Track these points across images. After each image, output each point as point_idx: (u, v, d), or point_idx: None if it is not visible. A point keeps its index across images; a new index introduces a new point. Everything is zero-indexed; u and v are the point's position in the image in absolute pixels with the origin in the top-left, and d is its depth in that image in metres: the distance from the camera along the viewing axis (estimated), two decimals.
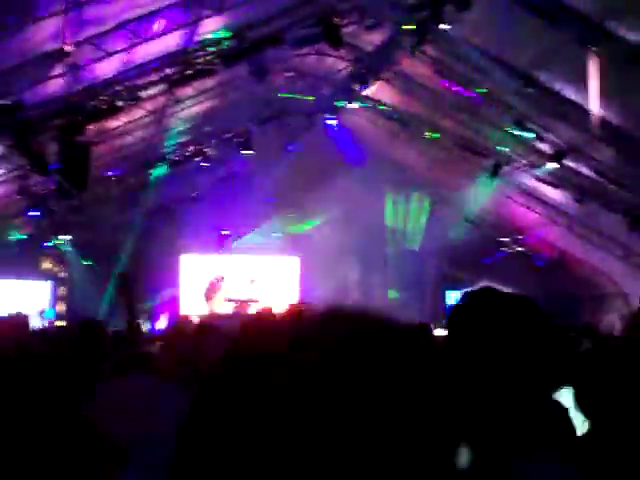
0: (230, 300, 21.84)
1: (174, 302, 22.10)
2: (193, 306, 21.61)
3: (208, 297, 22.26)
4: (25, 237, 20.54)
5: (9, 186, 17.33)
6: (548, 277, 20.92)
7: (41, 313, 18.94)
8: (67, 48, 12.59)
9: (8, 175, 16.74)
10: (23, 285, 21.87)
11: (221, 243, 23.10)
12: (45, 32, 12.11)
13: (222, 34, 14.61)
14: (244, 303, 21.21)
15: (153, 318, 20.43)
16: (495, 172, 18.38)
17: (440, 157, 18.97)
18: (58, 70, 13.42)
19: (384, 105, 18.62)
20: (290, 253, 23.12)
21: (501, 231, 22.37)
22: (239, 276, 22.43)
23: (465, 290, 2.14)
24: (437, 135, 18.35)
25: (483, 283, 2.16)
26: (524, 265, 21.51)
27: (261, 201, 20.74)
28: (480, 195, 19.51)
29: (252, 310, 20.91)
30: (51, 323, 20.02)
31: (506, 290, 2.12)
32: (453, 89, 15.98)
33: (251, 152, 19.65)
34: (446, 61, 15.34)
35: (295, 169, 20.46)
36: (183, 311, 21.51)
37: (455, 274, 21.53)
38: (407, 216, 21.94)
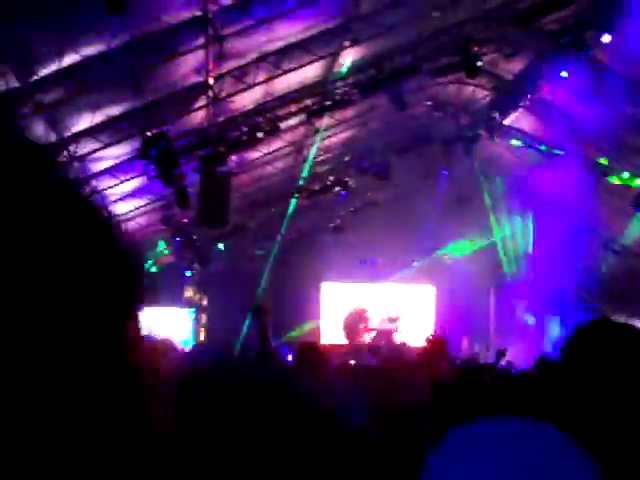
0: (369, 329, 21.75)
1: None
2: (334, 334, 21.62)
3: (349, 329, 22.07)
4: (168, 265, 20.99)
5: (153, 215, 17.79)
6: None
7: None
8: (210, 81, 12.93)
9: (153, 204, 17.20)
10: (167, 312, 22.27)
11: (360, 271, 23.05)
12: (189, 66, 12.47)
13: (360, 65, 14.72)
14: (382, 333, 21.10)
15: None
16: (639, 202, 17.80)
17: (583, 185, 18.51)
18: (201, 102, 13.79)
19: (525, 133, 18.36)
20: (427, 282, 22.96)
21: None
22: (377, 304, 22.34)
23: (579, 322, 2.02)
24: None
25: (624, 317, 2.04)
26: None
27: (399, 230, 20.65)
28: (629, 227, 18.97)
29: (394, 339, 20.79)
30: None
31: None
32: (594, 115, 15.64)
33: (390, 181, 19.63)
34: (587, 88, 15.02)
35: (433, 197, 20.37)
36: (324, 339, 21.44)
37: (598, 305, 20.89)
38: (549, 244, 21.48)
